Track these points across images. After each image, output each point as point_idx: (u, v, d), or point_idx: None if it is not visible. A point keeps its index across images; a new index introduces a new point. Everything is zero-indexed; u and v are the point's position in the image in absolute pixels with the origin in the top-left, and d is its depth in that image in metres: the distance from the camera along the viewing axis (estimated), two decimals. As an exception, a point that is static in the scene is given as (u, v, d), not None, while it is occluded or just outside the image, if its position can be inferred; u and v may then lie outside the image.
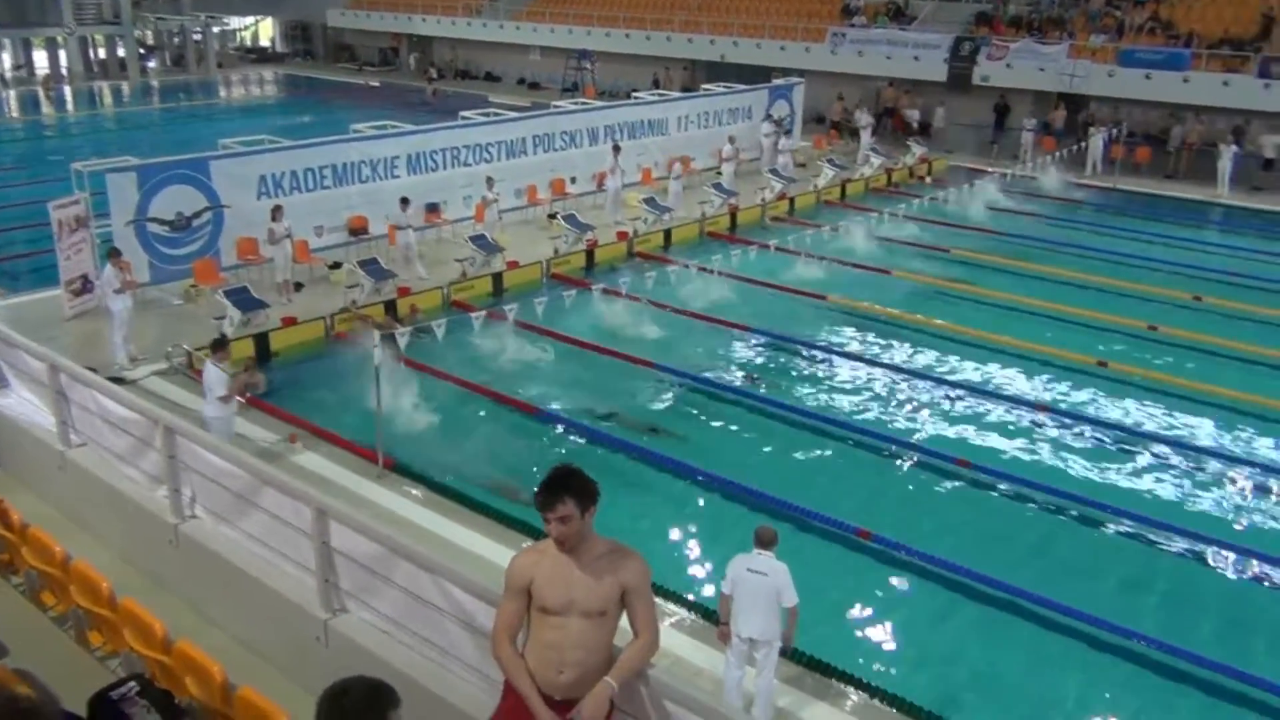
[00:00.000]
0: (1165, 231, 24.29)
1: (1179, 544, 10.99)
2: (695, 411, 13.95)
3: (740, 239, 21.99)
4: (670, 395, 14.40)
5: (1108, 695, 8.73)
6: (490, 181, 20.61)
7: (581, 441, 12.86)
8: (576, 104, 26.51)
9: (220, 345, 11.55)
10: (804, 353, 16.11)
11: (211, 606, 7.30)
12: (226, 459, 7.09)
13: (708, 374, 15.04)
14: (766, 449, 13.01)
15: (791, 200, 25.26)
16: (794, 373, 15.43)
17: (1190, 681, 8.85)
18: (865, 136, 30.56)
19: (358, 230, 19.46)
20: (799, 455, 12.79)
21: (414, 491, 11.43)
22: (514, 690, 4.57)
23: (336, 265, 18.67)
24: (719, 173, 26.26)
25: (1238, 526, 11.46)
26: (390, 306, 16.83)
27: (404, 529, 9.33)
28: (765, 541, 7.89)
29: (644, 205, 22.61)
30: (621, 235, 21.34)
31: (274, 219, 16.98)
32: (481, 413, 13.67)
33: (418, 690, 5.38)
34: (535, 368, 15.12)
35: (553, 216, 22.21)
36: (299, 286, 17.66)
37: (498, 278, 18.65)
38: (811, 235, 21.34)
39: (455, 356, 14.99)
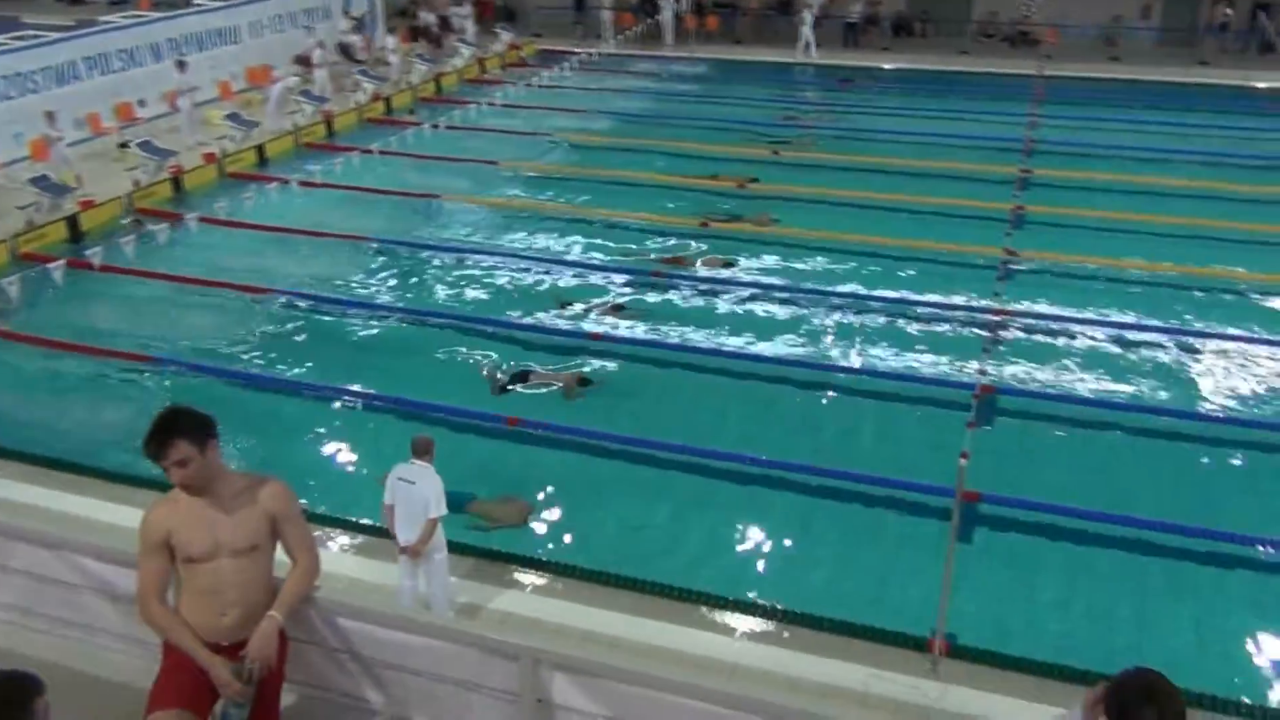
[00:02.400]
0: (748, 94, 26.09)
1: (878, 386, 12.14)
2: (327, 332, 13.45)
3: (340, 146, 21.11)
4: (297, 317, 13.75)
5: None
6: (51, 116, 18.12)
7: (202, 381, 11.99)
8: (129, 18, 23.86)
9: None
10: (428, 254, 15.91)
11: None
12: None
13: (332, 291, 14.50)
14: (412, 360, 12.76)
15: (387, 100, 24.50)
16: (427, 277, 15.17)
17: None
18: (469, 26, 30.12)
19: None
20: (440, 356, 12.73)
21: (14, 469, 10.22)
22: (174, 648, 4.32)
23: None
24: (308, 80, 24.85)
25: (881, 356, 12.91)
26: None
27: (12, 512, 8.36)
28: (417, 450, 7.90)
29: (228, 122, 21.01)
30: (209, 157, 19.73)
31: None
32: (82, 371, 12.36)
33: (63, 672, 4.93)
34: (137, 314, 13.86)
35: (124, 145, 20.04)
36: None
37: (73, 221, 16.69)
38: (413, 134, 20.90)
39: (38, 316, 13.39)
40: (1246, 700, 7.44)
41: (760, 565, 9.13)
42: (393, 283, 14.92)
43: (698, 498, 9.98)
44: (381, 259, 15.72)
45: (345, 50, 26.57)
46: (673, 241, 16.25)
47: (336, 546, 9.00)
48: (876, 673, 7.54)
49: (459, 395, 11.57)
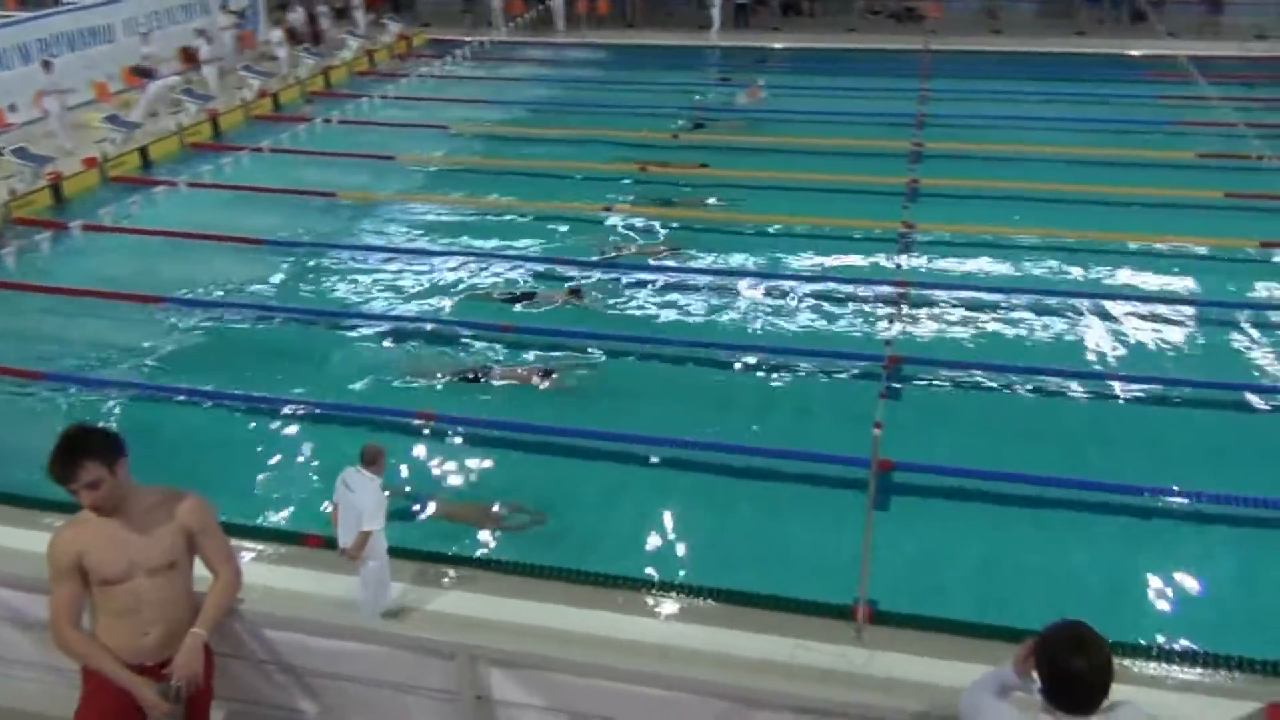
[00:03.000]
0: (656, 78, 26.13)
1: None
2: (228, 338, 13.05)
3: (228, 145, 20.51)
4: (195, 324, 13.33)
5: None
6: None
7: (98, 396, 11.57)
8: (-6, 19, 22.80)
9: None
10: (327, 253, 15.54)
11: None
12: None
13: (230, 295, 14.07)
14: (319, 361, 12.45)
15: (275, 96, 23.87)
16: (327, 276, 14.80)
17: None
18: (358, 17, 29.48)
19: None
20: (346, 355, 12.50)
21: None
22: (94, 673, 4.18)
23: None
24: (190, 78, 24.06)
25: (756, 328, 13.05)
26: None
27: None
28: (363, 458, 7.76)
29: (107, 124, 20.23)
30: (90, 162, 18.97)
31: None
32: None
33: (-24, 710, 4.75)
34: (26, 329, 13.25)
35: (-2, 153, 19.14)
36: None
37: (-55, 236, 15.90)
38: (304, 130, 20.43)
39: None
40: (1162, 643, 7.74)
41: (684, 546, 9.18)
42: (292, 284, 14.52)
43: (619, 482, 10.00)
44: (279, 260, 15.27)
45: (292, 34, 25.91)
46: (581, 228, 16.22)
47: (256, 557, 8.78)
48: (803, 644, 7.66)
49: (372, 394, 11.38)
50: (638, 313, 13.38)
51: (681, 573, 8.68)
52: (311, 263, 15.23)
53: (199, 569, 4.40)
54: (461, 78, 26.18)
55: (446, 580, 8.51)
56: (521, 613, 7.89)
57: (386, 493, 7.90)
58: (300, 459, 10.32)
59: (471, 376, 11.71)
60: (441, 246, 15.76)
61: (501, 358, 12.20)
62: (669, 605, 8.25)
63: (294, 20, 28.79)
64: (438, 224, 16.77)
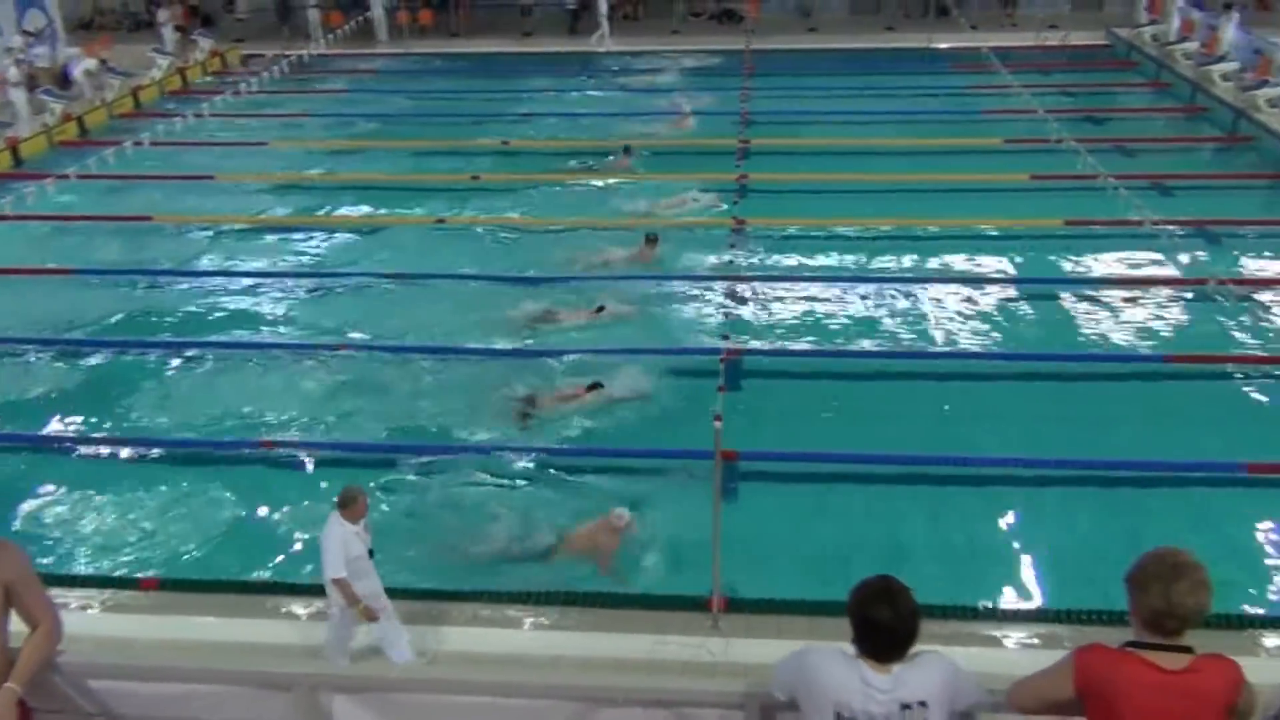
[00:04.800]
0: (476, 86, 25.88)
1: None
2: (45, 376, 12.28)
3: (30, 174, 19.29)
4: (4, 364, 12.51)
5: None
6: None
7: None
8: None
9: None
10: (145, 281, 14.82)
11: None
12: None
13: (44, 332, 13.24)
14: (138, 394, 11.85)
15: (80, 120, 22.58)
16: (146, 305, 14.09)
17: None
18: (167, 32, 28.11)
19: None
20: (167, 386, 11.94)
21: None
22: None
23: None
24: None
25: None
26: None
27: None
28: (339, 502, 7.31)
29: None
30: (-127, 199, 17.58)
31: None
32: None
33: None
34: None
35: None
36: None
37: None
38: (114, 153, 19.44)
39: None
40: (990, 604, 8.15)
41: (536, 552, 9.13)
42: (109, 316, 13.78)
43: (493, 493, 9.89)
44: (93, 291, 14.48)
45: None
46: (413, 241, 15.95)
47: (85, 605, 8.28)
48: (662, 639, 7.72)
49: (203, 427, 10.93)
50: (452, 321, 13.24)
51: (533, 580, 8.62)
52: (129, 291, 14.49)
53: (16, 623, 4.12)
54: (281, 93, 25.37)
55: (286, 611, 8.23)
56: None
57: (360, 538, 7.30)
58: (121, 496, 9.78)
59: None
60: (265, 268, 15.21)
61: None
62: (524, 614, 8.17)
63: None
64: (262, 245, 16.18)
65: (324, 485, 9.89)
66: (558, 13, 31.51)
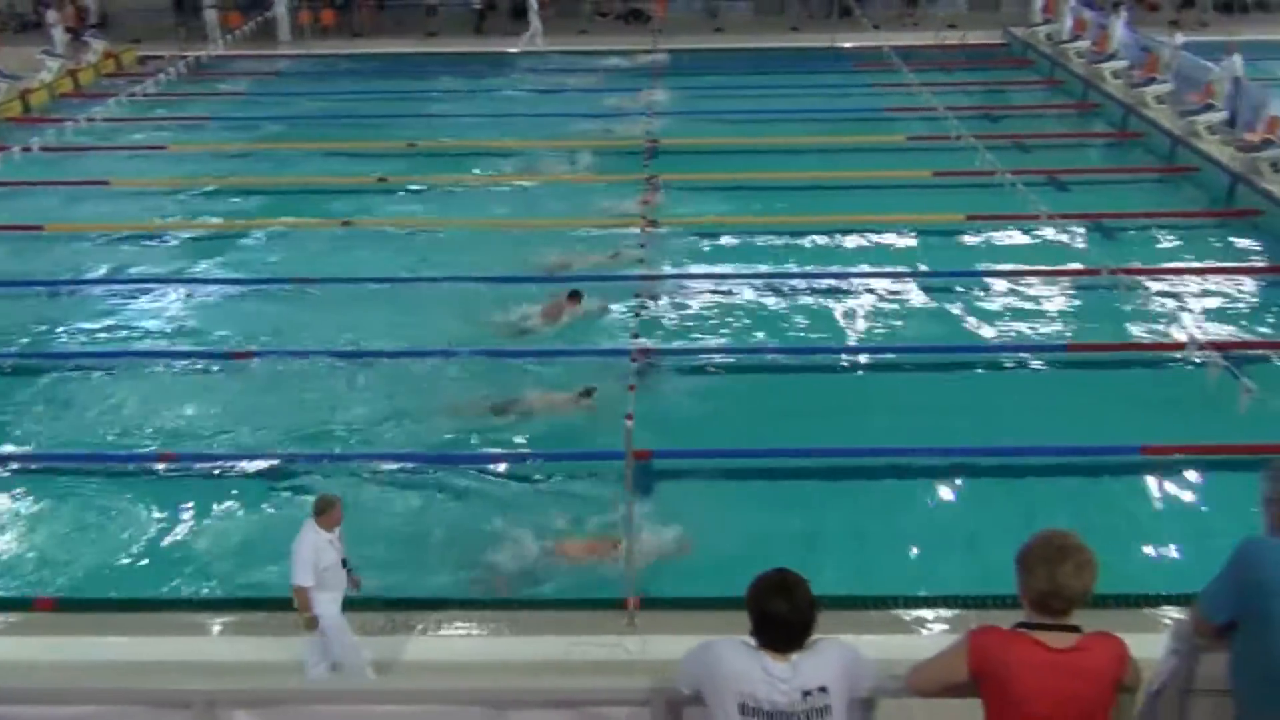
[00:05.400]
0: (382, 87, 25.49)
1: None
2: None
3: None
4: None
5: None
6: None
7: None
8: None
9: None
10: (35, 292, 14.28)
11: None
12: None
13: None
14: (70, 405, 11.43)
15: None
16: (38, 317, 13.55)
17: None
18: (57, 34, 27.11)
19: None
20: (61, 398, 11.54)
21: None
22: None
23: None
24: None
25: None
26: None
27: None
28: (314, 509, 7.10)
29: None
30: None
31: None
32: None
33: None
34: None
35: None
36: None
37: None
38: (1, 159, 18.73)
39: None
40: (898, 592, 8.26)
41: (456, 560, 9.02)
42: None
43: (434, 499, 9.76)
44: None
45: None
46: (319, 243, 15.66)
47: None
48: (579, 640, 7.69)
49: (98, 440, 10.58)
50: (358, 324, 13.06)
51: (453, 585, 8.53)
52: (21, 302, 13.96)
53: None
54: (179, 95, 24.69)
55: (190, 626, 8.01)
56: (266, 649, 7.47)
57: (334, 546, 7.08)
58: (24, 515, 9.43)
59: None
60: (165, 275, 14.78)
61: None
62: (440, 619, 8.08)
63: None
64: (161, 252, 15.73)
65: (232, 494, 9.68)
66: (463, 12, 31.24)
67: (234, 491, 9.75)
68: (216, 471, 10.09)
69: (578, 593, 8.29)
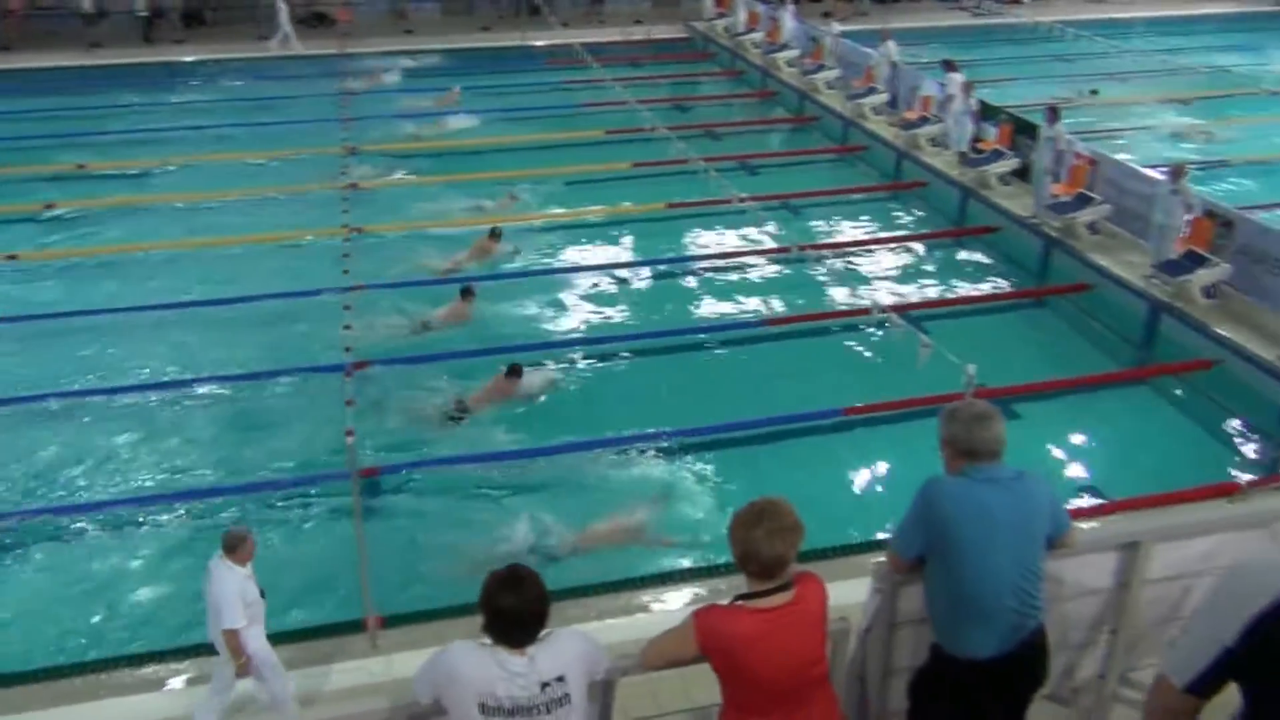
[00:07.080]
0: (41, 105, 23.07)
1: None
2: None
3: None
4: None
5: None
6: None
7: None
8: None
9: None
10: None
11: None
12: None
13: None
14: None
15: None
16: None
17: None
18: None
19: None
20: None
21: None
22: None
23: None
24: None
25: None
26: None
27: None
28: (224, 546, 6.71)
29: None
30: None
31: None
32: None
33: None
34: None
35: None
36: None
37: None
38: None
39: None
40: (638, 574, 8.45)
41: (171, 602, 8.46)
42: None
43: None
44: None
45: None
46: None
47: None
48: (321, 669, 7.40)
49: None
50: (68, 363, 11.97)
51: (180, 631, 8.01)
52: None
53: None
54: None
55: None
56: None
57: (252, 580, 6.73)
58: None
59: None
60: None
61: None
62: (174, 671, 7.53)
63: None
64: None
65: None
66: (128, 19, 28.90)
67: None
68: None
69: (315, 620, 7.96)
